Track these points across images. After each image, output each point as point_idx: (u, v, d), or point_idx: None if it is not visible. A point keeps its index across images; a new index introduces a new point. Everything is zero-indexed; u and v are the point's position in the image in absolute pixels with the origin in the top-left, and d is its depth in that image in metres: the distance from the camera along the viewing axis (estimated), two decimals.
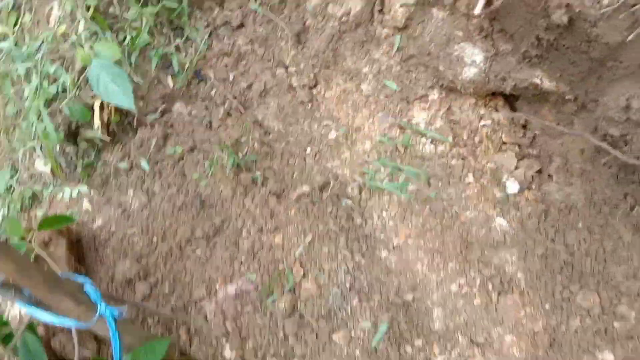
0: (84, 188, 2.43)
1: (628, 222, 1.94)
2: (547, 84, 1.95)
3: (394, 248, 2.27)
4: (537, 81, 1.95)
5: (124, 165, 2.35)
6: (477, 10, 1.81)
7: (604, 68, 1.71)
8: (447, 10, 2.07)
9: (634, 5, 1.48)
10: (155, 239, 2.27)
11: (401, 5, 2.16)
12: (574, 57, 1.75)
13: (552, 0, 1.60)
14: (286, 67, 2.50)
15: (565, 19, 1.60)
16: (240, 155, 2.38)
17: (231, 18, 2.48)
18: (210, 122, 2.48)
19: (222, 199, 2.29)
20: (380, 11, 2.25)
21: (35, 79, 2.34)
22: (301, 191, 2.30)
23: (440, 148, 2.38)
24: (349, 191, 2.38)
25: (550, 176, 2.21)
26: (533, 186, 2.25)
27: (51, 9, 2.39)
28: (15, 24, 2.45)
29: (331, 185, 2.35)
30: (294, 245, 2.18)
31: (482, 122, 2.39)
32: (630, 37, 1.48)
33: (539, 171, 2.26)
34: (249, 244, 2.19)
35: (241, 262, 2.17)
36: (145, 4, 2.40)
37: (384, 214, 2.31)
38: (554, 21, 1.62)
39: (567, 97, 1.93)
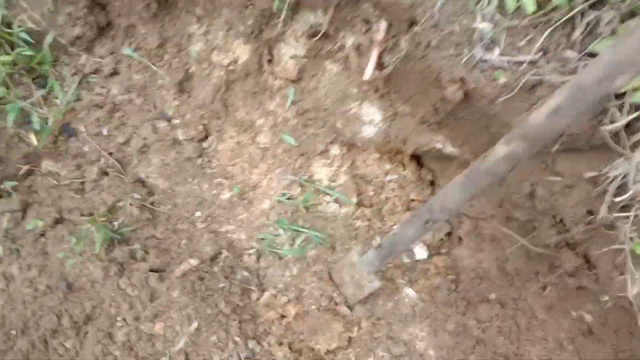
0: None
1: (541, 300, 1.78)
2: (450, 149, 1.76)
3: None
4: (439, 146, 1.76)
5: None
6: (367, 76, 1.59)
7: None
8: (341, 64, 1.83)
9: (533, 86, 1.29)
10: (14, 332, 1.92)
11: (291, 57, 1.91)
12: (473, 129, 1.56)
13: (445, 74, 1.40)
14: (169, 119, 2.20)
15: (459, 95, 1.40)
16: (116, 224, 2.06)
17: (102, 65, 2.14)
18: (83, 184, 2.14)
19: (93, 281, 1.96)
20: (270, 62, 1.99)
21: None
22: (188, 266, 2.02)
23: (345, 208, 2.16)
24: (245, 260, 2.12)
25: (460, 239, 2.03)
26: (442, 251, 2.08)
27: None
28: None
29: (224, 255, 2.09)
30: (177, 334, 1.89)
31: (388, 177, 2.19)
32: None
33: (449, 234, 2.08)
34: (124, 334, 1.89)
35: (115, 358, 1.86)
36: None
37: (282, 285, 2.07)
38: (448, 96, 1.42)
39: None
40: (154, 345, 1.88)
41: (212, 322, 1.91)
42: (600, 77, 1.01)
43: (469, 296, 1.95)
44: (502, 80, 1.29)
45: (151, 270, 2.00)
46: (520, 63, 1.27)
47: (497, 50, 1.29)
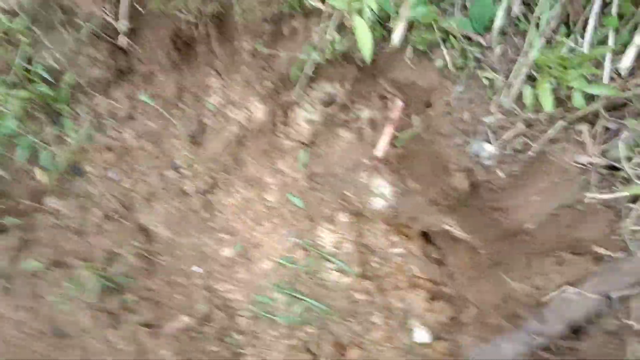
0: None
1: None
2: (459, 233, 1.69)
3: None
4: (449, 228, 1.69)
5: None
6: (378, 152, 1.54)
7: (517, 239, 1.45)
8: (355, 133, 1.79)
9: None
10: None
11: (306, 121, 1.88)
12: (484, 220, 1.49)
13: (452, 162, 1.34)
14: (178, 169, 2.17)
15: (465, 184, 1.34)
16: (111, 270, 2.02)
17: (118, 108, 2.14)
18: (84, 226, 2.11)
19: (82, 330, 1.90)
20: (284, 123, 1.96)
21: None
22: (180, 323, 1.95)
23: (347, 278, 2.08)
24: (239, 322, 2.04)
25: (464, 326, 1.92)
26: (444, 335, 1.97)
27: None
28: None
29: (218, 316, 2.01)
30: None
31: (394, 250, 2.11)
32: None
33: (453, 318, 1.97)
34: None
35: None
36: (14, 86, 2.04)
37: (275, 354, 1.98)
38: (455, 184, 1.36)
39: (480, 251, 1.67)
40: None
41: None
42: None
43: None
44: (502, 174, 1.23)
45: (141, 324, 1.94)
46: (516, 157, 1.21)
47: (492, 146, 1.23)
